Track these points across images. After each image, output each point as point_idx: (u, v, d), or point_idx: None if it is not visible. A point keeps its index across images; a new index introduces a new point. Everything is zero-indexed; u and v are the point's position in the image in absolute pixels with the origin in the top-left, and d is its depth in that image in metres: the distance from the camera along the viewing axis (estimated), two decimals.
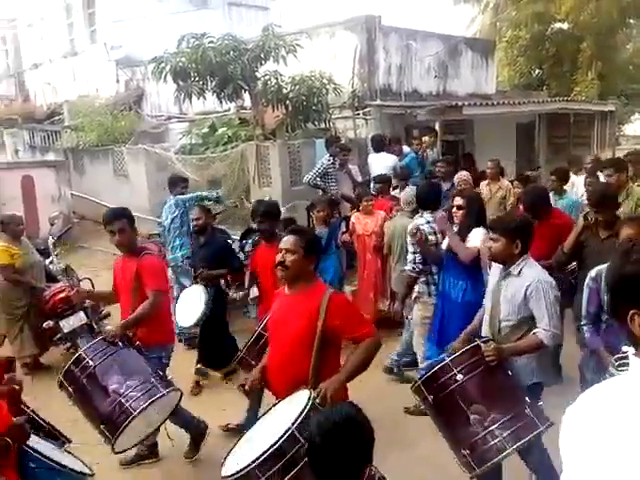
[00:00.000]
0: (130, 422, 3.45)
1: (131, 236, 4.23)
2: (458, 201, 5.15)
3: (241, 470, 2.53)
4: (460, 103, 10.73)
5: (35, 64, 19.35)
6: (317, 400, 2.76)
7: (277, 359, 3.20)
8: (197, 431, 4.60)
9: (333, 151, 8.27)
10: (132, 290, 4.16)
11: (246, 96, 10.05)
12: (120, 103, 14.46)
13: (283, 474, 2.53)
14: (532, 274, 3.52)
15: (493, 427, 2.98)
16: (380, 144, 9.03)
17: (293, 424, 2.55)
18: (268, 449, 2.51)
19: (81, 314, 5.95)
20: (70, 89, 16.83)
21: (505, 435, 2.95)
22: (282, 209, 6.89)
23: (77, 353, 3.76)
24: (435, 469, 4.03)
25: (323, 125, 10.11)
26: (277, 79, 9.34)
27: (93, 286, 6.04)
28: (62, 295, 5.97)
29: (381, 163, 8.64)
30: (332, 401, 2.82)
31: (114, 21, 15.56)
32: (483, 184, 8.16)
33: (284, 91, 9.39)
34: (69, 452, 3.32)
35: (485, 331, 3.71)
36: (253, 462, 2.51)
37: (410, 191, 6.02)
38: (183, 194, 7.30)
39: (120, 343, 3.80)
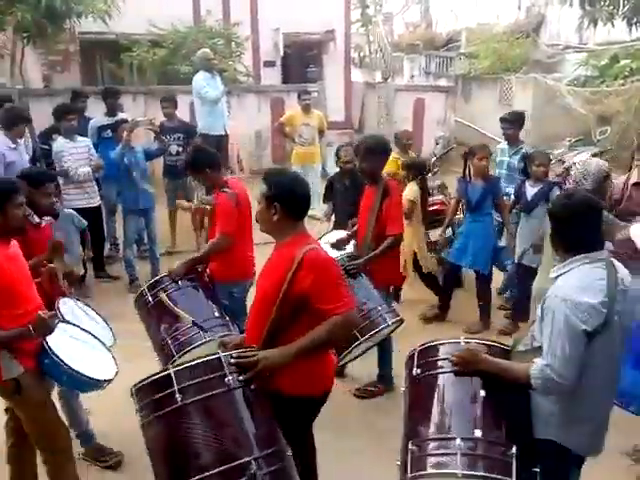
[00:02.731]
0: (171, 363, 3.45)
1: None
2: None
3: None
4: None
5: None
6: (231, 360, 2.39)
7: (249, 316, 2.89)
8: None
9: None
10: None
11: None
12: (518, 30, 14.20)
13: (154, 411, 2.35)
14: (560, 284, 2.42)
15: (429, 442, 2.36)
16: None
17: (174, 367, 2.37)
18: (141, 381, 2.40)
19: None
20: (470, 16, 17.18)
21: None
22: None
23: (148, 282, 3.89)
24: None
25: None
26: None
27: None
28: (436, 207, 6.44)
29: None
30: (263, 374, 2.44)
31: None
32: None
33: None
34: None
35: None
36: (135, 386, 2.43)
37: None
38: None
39: (180, 282, 3.78)
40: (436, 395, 2.48)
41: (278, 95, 11.57)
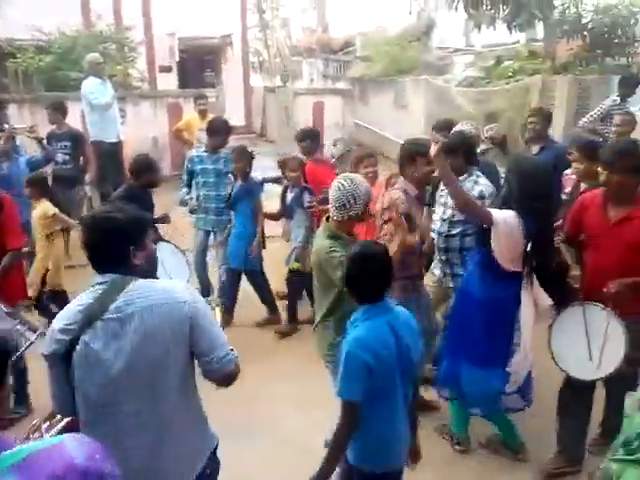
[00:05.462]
0: None
1: None
2: None
3: None
4: None
5: None
6: None
7: None
8: None
9: (624, 92, 6.83)
10: None
11: (539, 26, 9.46)
12: (409, 34, 14.70)
13: None
14: None
15: None
16: None
17: None
18: None
19: None
20: (365, 21, 17.58)
21: None
22: None
23: None
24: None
25: (625, 61, 9.03)
26: (577, 7, 8.65)
27: None
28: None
29: None
30: None
31: None
32: None
33: (583, 21, 8.62)
34: None
35: None
36: None
37: None
38: None
39: None
40: None
41: (175, 100, 11.33)
